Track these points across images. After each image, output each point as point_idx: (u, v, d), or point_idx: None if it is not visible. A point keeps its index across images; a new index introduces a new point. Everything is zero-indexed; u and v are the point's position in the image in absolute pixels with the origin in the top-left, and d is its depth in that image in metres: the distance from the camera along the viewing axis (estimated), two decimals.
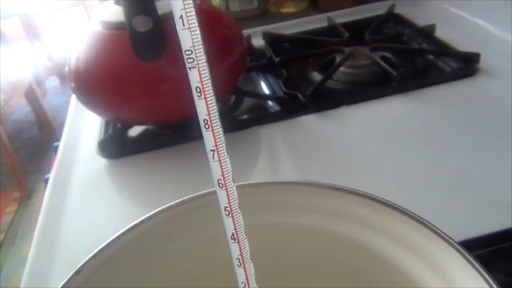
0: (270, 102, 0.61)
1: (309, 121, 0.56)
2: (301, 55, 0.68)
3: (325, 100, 0.58)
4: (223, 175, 0.16)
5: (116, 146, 0.56)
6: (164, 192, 0.49)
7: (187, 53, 0.15)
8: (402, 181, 0.45)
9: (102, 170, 0.54)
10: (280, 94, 0.60)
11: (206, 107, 0.15)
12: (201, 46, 0.15)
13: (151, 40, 0.46)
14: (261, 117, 0.58)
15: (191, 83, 0.15)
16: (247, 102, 0.62)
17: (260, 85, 0.65)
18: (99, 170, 0.54)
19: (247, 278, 0.18)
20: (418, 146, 0.49)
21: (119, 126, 0.58)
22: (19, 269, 1.52)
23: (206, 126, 0.16)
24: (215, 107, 0.15)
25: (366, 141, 0.51)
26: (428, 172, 0.45)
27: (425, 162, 0.47)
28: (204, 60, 0.15)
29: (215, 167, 0.16)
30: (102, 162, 0.55)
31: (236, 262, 0.18)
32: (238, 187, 0.17)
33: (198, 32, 0.14)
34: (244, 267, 0.18)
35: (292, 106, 0.58)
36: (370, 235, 0.24)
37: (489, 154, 0.46)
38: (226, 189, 0.17)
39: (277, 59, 0.66)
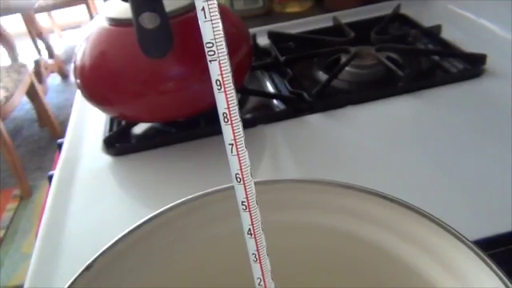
0: (275, 101, 0.61)
1: (314, 120, 0.56)
2: (306, 54, 0.68)
3: (330, 99, 0.58)
4: (241, 169, 0.16)
5: (121, 144, 0.56)
6: (168, 189, 0.49)
7: (208, 45, 0.15)
8: (408, 180, 0.45)
9: (106, 168, 0.53)
10: (285, 93, 0.60)
11: (225, 100, 0.15)
12: (222, 39, 0.15)
13: (158, 37, 0.46)
14: (266, 116, 0.57)
15: (211, 76, 0.15)
16: (252, 101, 0.62)
17: (265, 84, 0.65)
18: (104, 167, 0.54)
19: (263, 274, 0.18)
20: (423, 146, 0.49)
21: (124, 123, 0.58)
22: (19, 266, 1.52)
23: (225, 120, 0.15)
24: (235, 101, 0.15)
25: (372, 140, 0.51)
26: (433, 172, 0.45)
27: (430, 162, 0.47)
28: (225, 53, 0.15)
29: (233, 161, 0.16)
30: (107, 159, 0.55)
31: (252, 258, 0.18)
32: None
33: (220, 24, 0.14)
34: (260, 263, 0.18)
35: (297, 105, 0.58)
36: (383, 234, 0.24)
37: (495, 155, 0.46)
38: (244, 183, 0.16)
39: (282, 58, 0.65)
